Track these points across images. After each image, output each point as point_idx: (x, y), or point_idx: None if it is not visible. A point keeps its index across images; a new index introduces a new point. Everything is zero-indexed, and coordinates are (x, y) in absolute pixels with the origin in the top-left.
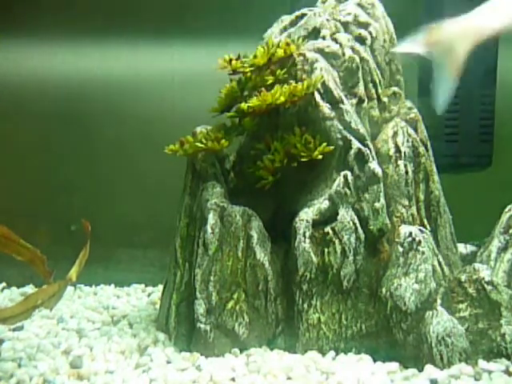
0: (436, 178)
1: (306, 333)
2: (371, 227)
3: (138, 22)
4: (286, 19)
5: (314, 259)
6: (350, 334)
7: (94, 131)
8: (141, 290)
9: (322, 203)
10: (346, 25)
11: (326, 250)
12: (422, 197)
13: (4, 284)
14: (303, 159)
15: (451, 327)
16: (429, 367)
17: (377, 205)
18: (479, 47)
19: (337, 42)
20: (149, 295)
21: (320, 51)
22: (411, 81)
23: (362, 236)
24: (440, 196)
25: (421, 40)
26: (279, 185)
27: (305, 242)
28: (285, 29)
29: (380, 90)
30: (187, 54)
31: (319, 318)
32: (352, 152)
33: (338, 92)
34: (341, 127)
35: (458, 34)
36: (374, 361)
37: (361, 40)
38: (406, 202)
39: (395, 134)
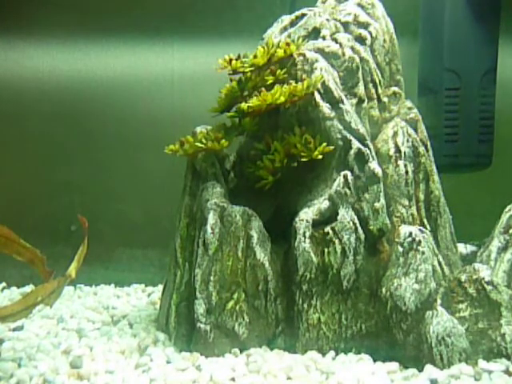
0: (436, 177)
1: (306, 333)
2: (371, 227)
3: (137, 21)
4: (286, 19)
5: (314, 259)
6: (349, 333)
7: (93, 131)
8: (141, 289)
9: (321, 203)
10: (345, 25)
11: (325, 250)
12: (421, 197)
13: (4, 284)
14: (303, 159)
15: (451, 327)
16: (429, 367)
17: (377, 205)
18: (479, 46)
19: (337, 42)
20: (149, 295)
21: (320, 51)
22: (411, 81)
23: (362, 236)
24: (440, 196)
25: None
26: (279, 185)
27: (305, 241)
28: (285, 29)
29: (380, 90)
30: (187, 54)
31: (319, 318)
32: (352, 152)
33: (338, 92)
34: (341, 127)
35: None
36: (374, 361)
37: (361, 40)
38: (406, 202)
39: (395, 134)
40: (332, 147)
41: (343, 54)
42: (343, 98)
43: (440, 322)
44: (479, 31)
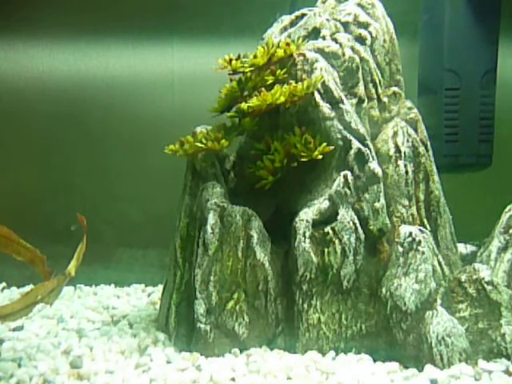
0: (436, 178)
1: (306, 333)
2: (371, 227)
3: (137, 21)
4: (286, 19)
5: (314, 259)
6: (349, 334)
7: (93, 131)
8: (141, 289)
9: (322, 203)
10: (346, 25)
11: (326, 250)
12: (421, 197)
13: (4, 284)
14: (303, 159)
15: (451, 327)
16: (429, 367)
17: (377, 205)
18: (479, 46)
19: (337, 42)
20: (149, 295)
21: (320, 51)
22: (411, 81)
23: (362, 236)
24: (440, 196)
25: None
26: (279, 185)
27: (305, 241)
28: (285, 29)
29: (380, 90)
30: (187, 54)
31: (319, 318)
32: (352, 152)
33: (338, 92)
34: (341, 127)
35: None
36: (374, 361)
37: (361, 40)
38: (406, 202)
39: (395, 134)
40: (332, 147)
41: (343, 54)
42: (343, 98)
43: (440, 322)
44: (479, 31)
